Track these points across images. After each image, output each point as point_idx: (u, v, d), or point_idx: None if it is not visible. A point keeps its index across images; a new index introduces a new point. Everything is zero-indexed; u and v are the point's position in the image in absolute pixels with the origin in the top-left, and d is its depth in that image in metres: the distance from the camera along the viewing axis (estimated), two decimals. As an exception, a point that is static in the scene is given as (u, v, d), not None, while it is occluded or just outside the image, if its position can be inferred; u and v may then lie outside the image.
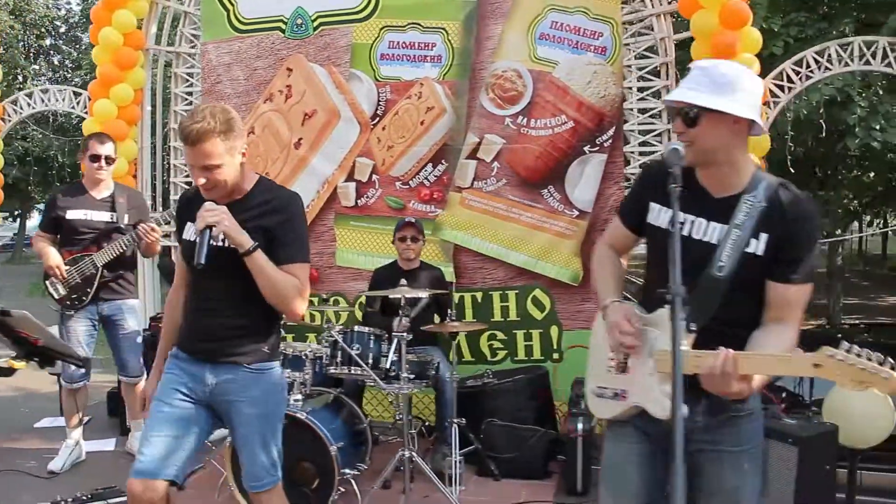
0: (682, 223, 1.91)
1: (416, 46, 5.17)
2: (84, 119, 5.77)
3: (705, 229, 1.92)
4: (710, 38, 4.30)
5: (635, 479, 2.03)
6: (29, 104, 5.89)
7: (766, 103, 4.49)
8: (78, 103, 6.00)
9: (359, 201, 5.31)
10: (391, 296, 4.05)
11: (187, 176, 5.55)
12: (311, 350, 3.90)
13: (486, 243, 5.06)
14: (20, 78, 20.92)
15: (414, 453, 3.78)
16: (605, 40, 4.83)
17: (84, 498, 3.68)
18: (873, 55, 4.36)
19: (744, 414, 1.97)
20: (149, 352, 4.21)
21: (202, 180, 2.35)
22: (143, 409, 2.60)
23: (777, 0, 7.09)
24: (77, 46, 24.41)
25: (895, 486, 3.69)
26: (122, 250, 4.20)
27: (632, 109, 4.96)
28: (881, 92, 6.80)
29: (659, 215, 2.01)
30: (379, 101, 5.24)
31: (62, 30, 24.92)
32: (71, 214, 4.20)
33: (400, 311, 3.83)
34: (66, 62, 24.59)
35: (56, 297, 4.19)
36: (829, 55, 4.46)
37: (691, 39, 4.62)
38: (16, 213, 29.78)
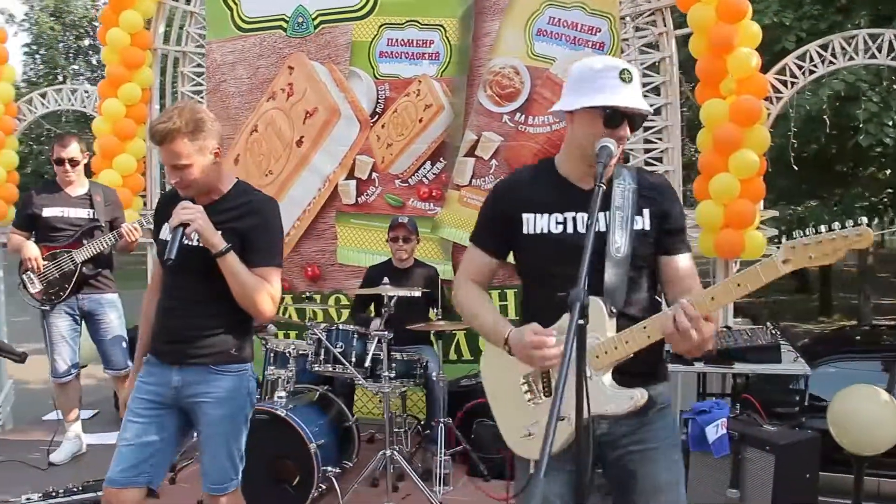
0: (563, 222, 1.92)
1: (414, 44, 5.15)
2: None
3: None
4: (708, 32, 4.19)
5: None
6: (43, 104, 6.01)
7: (767, 99, 4.35)
8: (90, 103, 6.11)
9: (359, 199, 5.32)
10: (369, 292, 4.04)
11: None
12: (294, 347, 3.92)
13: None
14: (60, 77, 21.41)
15: (396, 452, 3.78)
16: (604, 36, 4.75)
17: (75, 490, 3.76)
18: (879, 48, 4.17)
19: (666, 406, 1.97)
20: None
21: (175, 179, 2.39)
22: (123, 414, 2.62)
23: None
24: (115, 46, 24.84)
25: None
26: (101, 249, 4.23)
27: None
28: (894, 87, 6.52)
29: (536, 223, 1.95)
30: (378, 98, 5.24)
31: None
32: (48, 212, 4.25)
33: (382, 311, 3.83)
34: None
35: (32, 290, 4.20)
36: (834, 49, 4.29)
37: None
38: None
